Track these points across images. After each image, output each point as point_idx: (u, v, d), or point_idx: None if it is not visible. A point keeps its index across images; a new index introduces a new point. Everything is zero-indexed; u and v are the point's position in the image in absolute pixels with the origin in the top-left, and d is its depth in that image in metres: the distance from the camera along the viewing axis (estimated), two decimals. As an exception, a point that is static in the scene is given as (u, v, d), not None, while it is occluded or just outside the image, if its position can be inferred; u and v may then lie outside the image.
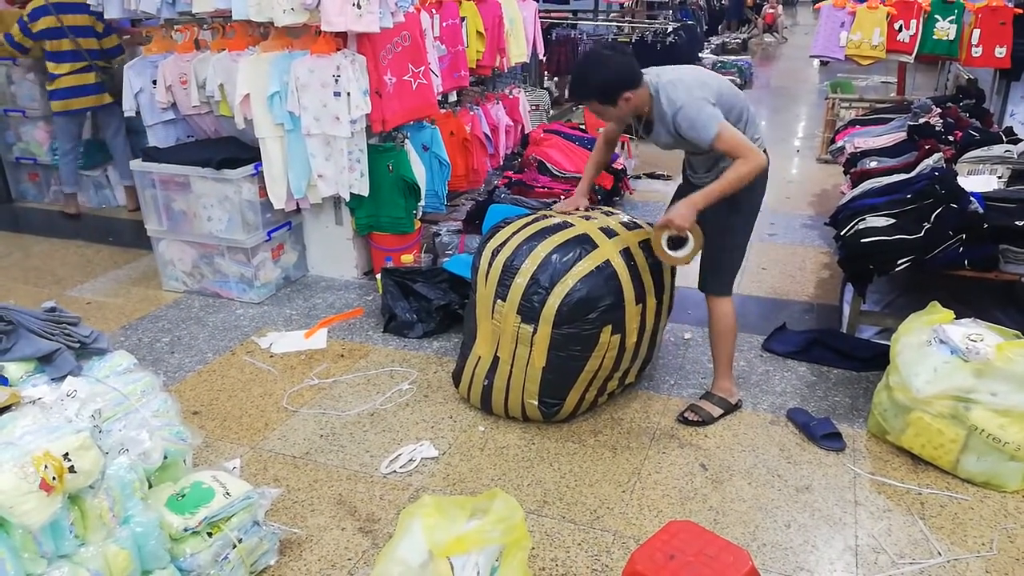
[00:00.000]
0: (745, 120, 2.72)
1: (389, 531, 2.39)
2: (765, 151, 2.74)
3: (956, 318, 2.78)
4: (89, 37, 5.13)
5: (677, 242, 2.69)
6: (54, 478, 1.68)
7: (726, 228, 2.81)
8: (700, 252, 2.72)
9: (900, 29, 5.39)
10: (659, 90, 2.62)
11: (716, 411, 2.96)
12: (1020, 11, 5.14)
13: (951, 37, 5.30)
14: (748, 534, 2.39)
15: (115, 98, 5.30)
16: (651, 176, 6.40)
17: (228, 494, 2.09)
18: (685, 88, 2.58)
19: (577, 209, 3.03)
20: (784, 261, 4.63)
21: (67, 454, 1.72)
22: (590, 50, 2.94)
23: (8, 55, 5.30)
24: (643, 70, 2.65)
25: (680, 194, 3.05)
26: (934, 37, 5.35)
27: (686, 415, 2.95)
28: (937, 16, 5.31)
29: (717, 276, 2.91)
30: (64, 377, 2.11)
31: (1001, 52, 5.20)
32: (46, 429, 1.78)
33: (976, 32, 5.22)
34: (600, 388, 2.94)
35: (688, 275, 3.12)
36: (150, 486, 2.06)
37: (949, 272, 3.21)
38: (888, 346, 2.87)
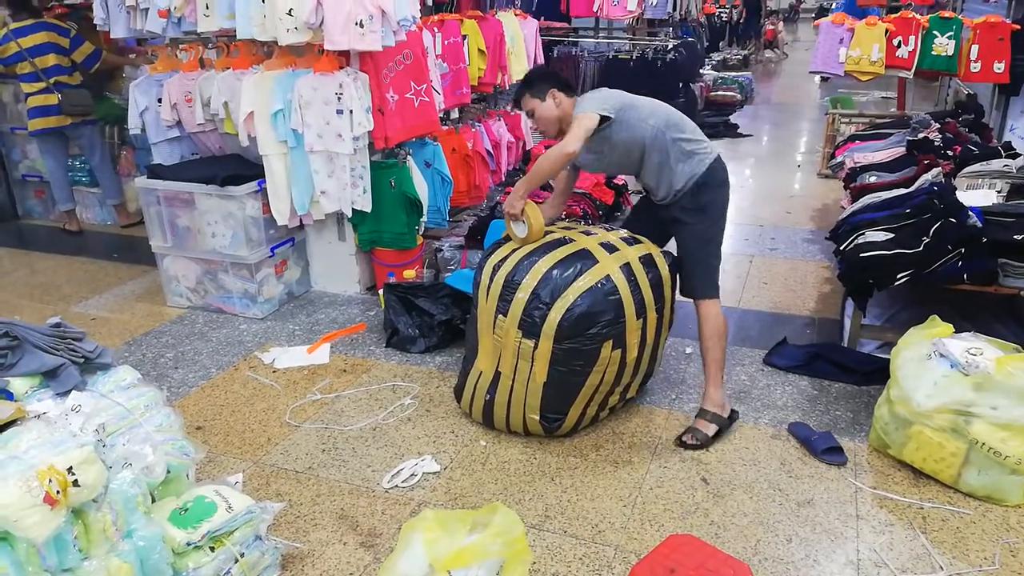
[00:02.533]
0: (665, 143, 2.87)
1: (391, 545, 2.39)
2: (719, 157, 2.94)
3: (956, 332, 2.78)
4: (47, 54, 5.07)
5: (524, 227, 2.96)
6: (58, 492, 1.69)
7: (700, 235, 2.95)
8: (539, 234, 2.93)
9: (899, 45, 5.42)
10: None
11: (711, 429, 2.94)
12: (1018, 27, 5.18)
13: (950, 53, 5.33)
14: (749, 548, 2.39)
15: (88, 114, 5.31)
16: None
17: (230, 508, 2.09)
18: (597, 91, 2.98)
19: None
20: (785, 276, 4.64)
21: (71, 468, 1.74)
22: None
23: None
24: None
25: (640, 207, 3.26)
26: (933, 53, 5.37)
27: (684, 439, 2.93)
28: (935, 32, 5.34)
29: (703, 279, 3.00)
30: (69, 392, 2.13)
31: (1000, 67, 5.23)
32: (50, 443, 1.79)
33: (975, 48, 5.25)
34: (601, 403, 2.95)
35: (688, 290, 3.14)
36: (153, 500, 2.08)
37: (949, 286, 3.22)
38: (889, 360, 2.87)
